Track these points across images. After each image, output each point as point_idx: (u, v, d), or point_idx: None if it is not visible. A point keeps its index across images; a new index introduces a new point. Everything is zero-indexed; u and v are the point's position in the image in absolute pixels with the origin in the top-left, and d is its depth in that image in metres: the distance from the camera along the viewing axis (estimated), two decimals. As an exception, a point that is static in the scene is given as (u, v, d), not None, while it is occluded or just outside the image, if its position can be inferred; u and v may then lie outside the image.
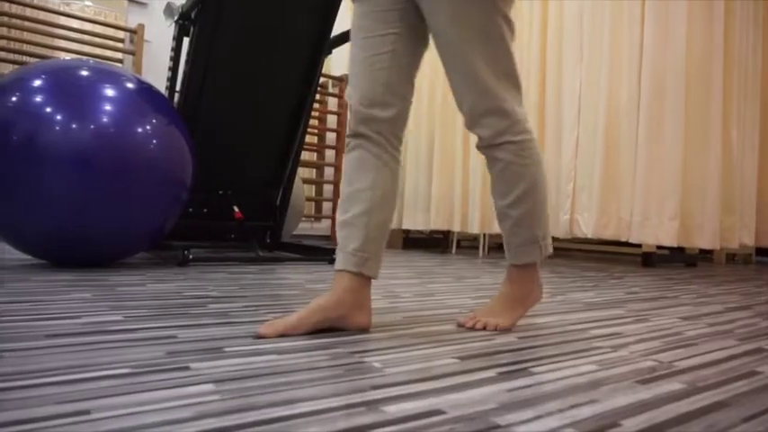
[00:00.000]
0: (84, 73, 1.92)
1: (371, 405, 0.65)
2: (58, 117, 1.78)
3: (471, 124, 1.10)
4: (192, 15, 2.35)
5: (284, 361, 0.82)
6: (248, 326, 1.06)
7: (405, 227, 3.77)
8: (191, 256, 2.10)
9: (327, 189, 4.20)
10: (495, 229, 3.23)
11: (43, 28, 3.08)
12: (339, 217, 1.12)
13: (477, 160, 3.33)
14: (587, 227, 2.72)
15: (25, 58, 3.06)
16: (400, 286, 1.78)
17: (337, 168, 4.13)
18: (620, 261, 3.48)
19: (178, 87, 2.48)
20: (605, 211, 2.71)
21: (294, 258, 2.46)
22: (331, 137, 4.21)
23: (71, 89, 1.84)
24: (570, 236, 2.83)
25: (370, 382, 0.73)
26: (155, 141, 1.92)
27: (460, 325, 1.14)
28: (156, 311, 1.16)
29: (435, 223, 3.55)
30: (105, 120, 1.83)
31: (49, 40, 3.14)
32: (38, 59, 3.05)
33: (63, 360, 0.77)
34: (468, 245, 4.34)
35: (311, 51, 2.59)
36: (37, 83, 1.83)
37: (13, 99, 1.78)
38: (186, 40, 2.73)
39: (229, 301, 1.34)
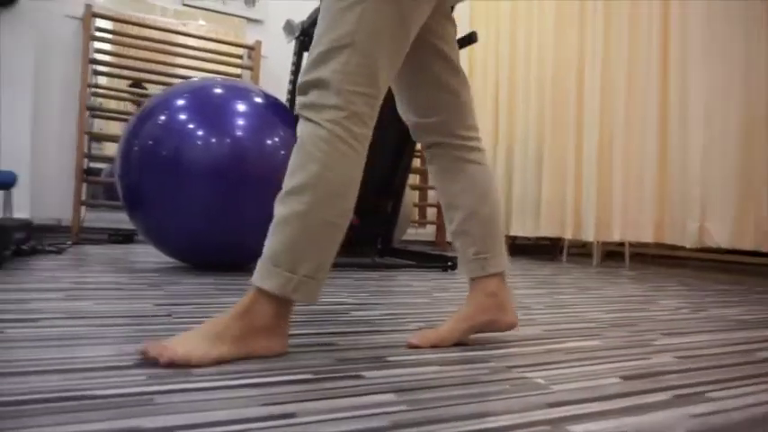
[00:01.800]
0: (219, 90, 2.06)
1: (556, 423, 0.65)
2: (199, 133, 1.93)
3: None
4: (312, 31, 2.46)
5: (448, 373, 0.84)
6: (396, 335, 1.09)
7: (512, 233, 3.71)
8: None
9: (432, 194, 4.23)
10: (613, 236, 3.09)
11: (168, 48, 3.35)
12: (448, 228, 1.14)
13: (591, 163, 3.21)
14: (720, 236, 2.53)
15: (155, 77, 3.34)
16: (527, 297, 1.75)
17: (441, 174, 4.17)
18: (750, 272, 3.21)
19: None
20: (741, 218, 2.51)
21: (408, 265, 2.50)
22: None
23: (208, 107, 1.99)
24: (699, 245, 2.65)
25: (542, 400, 0.73)
26: (282, 153, 2.03)
27: (144, 354, 0.81)
28: (304, 317, 1.23)
29: (545, 229, 3.46)
30: (239, 134, 1.96)
31: (170, 59, 3.41)
32: (167, 77, 3.33)
33: (250, 363, 0.84)
34: (576, 252, 4.19)
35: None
36: (180, 102, 2.00)
37: (162, 118, 1.96)
38: (306, 55, 2.86)
39: (367, 308, 1.39)
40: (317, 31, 0.92)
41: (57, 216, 3.09)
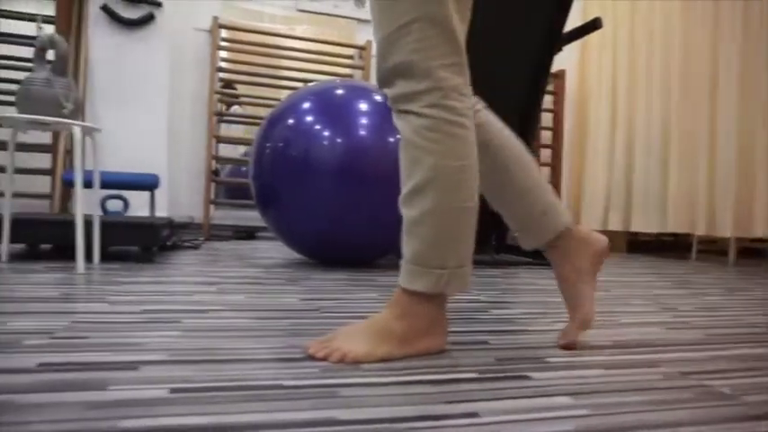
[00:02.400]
0: (341, 91, 2.12)
1: (763, 439, 0.60)
2: (325, 133, 1.99)
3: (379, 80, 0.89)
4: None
5: (617, 377, 0.81)
6: (545, 335, 1.07)
7: (634, 229, 3.50)
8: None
9: (543, 189, 4.10)
10: (756, 232, 2.82)
11: (282, 52, 3.50)
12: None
13: (729, 151, 2.94)
14: None
15: (274, 81, 3.51)
16: (669, 297, 1.65)
17: (554, 168, 4.00)
18: None
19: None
20: None
21: (528, 262, 2.43)
22: (546, 135, 4.09)
23: (332, 108, 2.05)
24: None
25: (737, 412, 0.68)
26: (405, 151, 2.05)
27: (311, 356, 0.84)
28: (448, 315, 1.23)
29: (673, 225, 3.23)
30: (362, 133, 2.00)
31: (285, 63, 3.56)
32: (285, 81, 3.48)
33: (413, 360, 0.85)
34: (705, 248, 3.87)
35: (542, 49, 2.53)
36: (306, 105, 2.08)
37: (290, 121, 2.05)
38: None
39: (504, 306, 1.37)
40: (375, 15, 0.85)
41: (189, 214, 3.34)
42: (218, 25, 3.26)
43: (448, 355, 0.89)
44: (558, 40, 2.52)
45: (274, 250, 2.64)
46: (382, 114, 2.06)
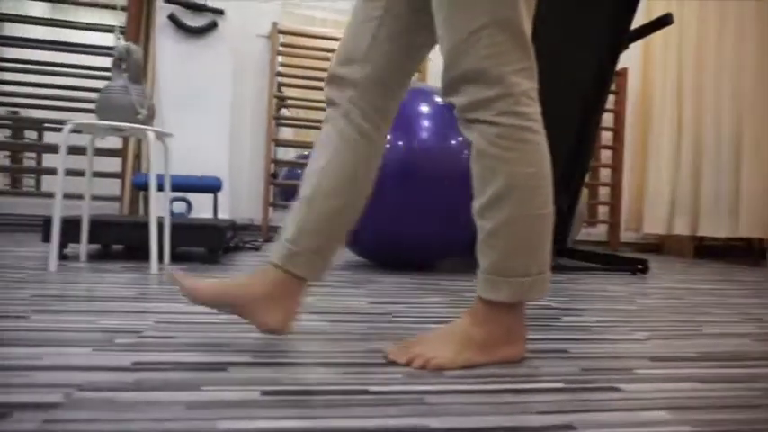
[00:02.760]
0: (402, 94, 2.12)
1: None
2: (387, 136, 1.99)
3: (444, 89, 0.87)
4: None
5: (713, 392, 0.77)
6: (623, 345, 1.03)
7: (702, 233, 3.35)
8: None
9: (604, 192, 3.97)
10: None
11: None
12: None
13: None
14: None
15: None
16: (749, 306, 1.56)
17: (614, 169, 3.87)
18: None
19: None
20: None
21: (592, 267, 2.36)
22: (607, 136, 3.97)
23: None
24: None
25: None
26: (465, 153, 2.03)
27: (393, 360, 0.84)
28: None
29: (745, 229, 3.07)
30: (423, 135, 1.99)
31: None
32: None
33: (494, 368, 0.84)
34: (779, 254, 3.66)
35: (608, 47, 2.46)
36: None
37: (352, 123, 2.06)
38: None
39: (576, 314, 1.33)
40: (443, 21, 0.83)
41: (249, 216, 3.42)
42: (277, 31, 3.33)
43: (528, 364, 0.87)
44: (625, 36, 2.44)
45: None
46: (443, 117, 2.04)
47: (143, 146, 3.08)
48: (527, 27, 0.83)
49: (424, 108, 2.07)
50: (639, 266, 2.31)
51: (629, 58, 3.86)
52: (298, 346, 0.91)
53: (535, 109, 0.84)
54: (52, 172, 3.01)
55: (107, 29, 3.16)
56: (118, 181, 3.13)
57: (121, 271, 1.68)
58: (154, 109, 1.81)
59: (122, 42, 1.80)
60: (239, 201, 3.42)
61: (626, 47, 2.56)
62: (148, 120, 1.78)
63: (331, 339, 0.96)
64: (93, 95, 3.21)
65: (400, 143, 1.98)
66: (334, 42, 3.56)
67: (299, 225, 0.89)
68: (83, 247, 1.87)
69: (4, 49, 3.76)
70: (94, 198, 3.10)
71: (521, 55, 0.82)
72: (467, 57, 0.81)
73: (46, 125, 3.61)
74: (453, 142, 2.02)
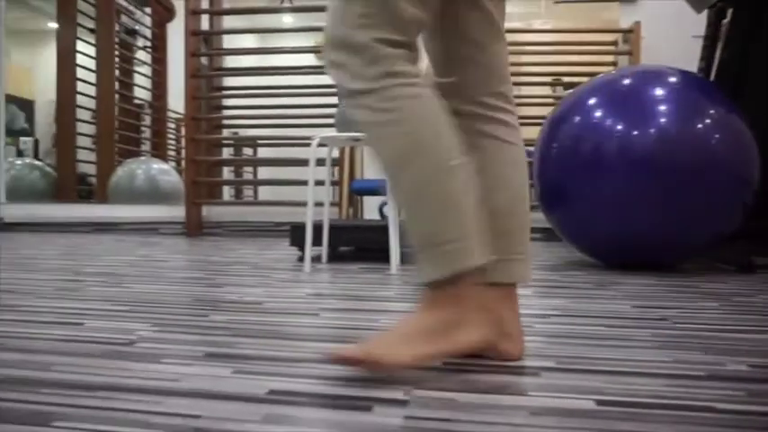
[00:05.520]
0: (628, 81, 1.95)
1: None
2: (618, 126, 1.85)
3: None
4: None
5: None
6: None
7: None
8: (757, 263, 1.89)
9: None
10: None
11: (522, 48, 3.41)
12: None
13: None
14: None
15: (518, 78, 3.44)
16: None
17: None
18: None
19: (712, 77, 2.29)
20: None
21: None
22: None
23: (624, 98, 1.89)
24: None
25: None
26: (717, 136, 1.79)
27: (337, 360, 0.70)
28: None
29: None
30: (662, 121, 1.81)
31: (519, 58, 3.45)
32: (535, 77, 3.39)
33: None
34: None
35: None
36: (592, 101, 1.95)
37: (577, 118, 1.95)
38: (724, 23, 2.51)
39: None
40: None
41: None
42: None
43: None
44: None
45: (546, 252, 2.57)
46: (683, 99, 1.84)
47: (356, 154, 3.29)
48: (405, 5, 0.74)
49: (659, 92, 1.88)
50: None
51: None
52: (596, 353, 0.86)
53: (415, 70, 0.76)
54: (286, 183, 3.37)
55: (308, 50, 3.46)
56: (332, 187, 3.39)
57: (362, 272, 1.80)
58: (385, 118, 1.91)
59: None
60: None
61: None
62: (382, 128, 1.88)
63: (623, 347, 0.90)
64: (306, 111, 3.53)
65: (635, 133, 1.82)
66: (521, 35, 3.45)
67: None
68: (324, 249, 2.05)
69: (225, 78, 4.34)
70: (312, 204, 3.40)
71: (392, 28, 0.74)
72: (340, 21, 0.76)
73: (260, 142, 4.08)
74: (699, 126, 1.80)
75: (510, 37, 3.45)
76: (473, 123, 0.86)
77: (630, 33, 3.35)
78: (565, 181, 1.92)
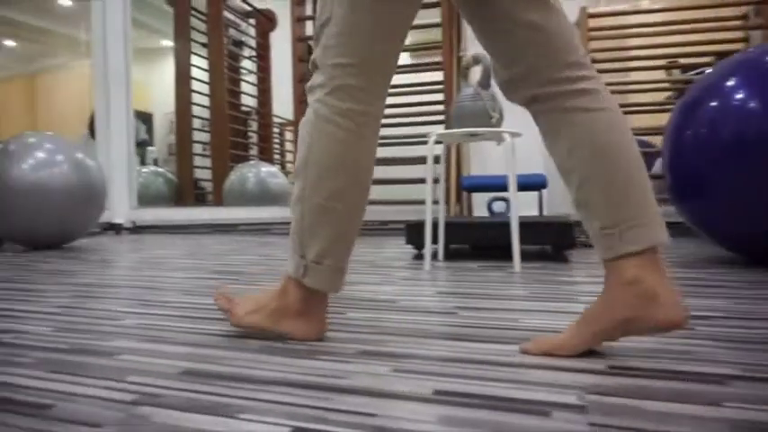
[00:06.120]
0: (770, 57, 1.76)
1: None
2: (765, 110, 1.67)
3: None
4: None
5: None
6: None
7: None
8: None
9: None
10: None
11: (635, 31, 3.17)
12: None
13: None
14: None
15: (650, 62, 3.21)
16: None
17: None
18: None
19: None
20: None
21: None
22: None
23: (766, 77, 1.71)
24: None
25: None
26: None
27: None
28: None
29: None
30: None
31: (627, 42, 3.21)
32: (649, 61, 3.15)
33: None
34: None
35: None
36: (731, 81, 1.78)
37: (714, 102, 1.79)
38: None
39: None
40: None
41: (565, 212, 3.32)
42: (587, 15, 3.16)
43: None
44: None
45: (676, 248, 2.38)
46: None
47: (462, 150, 3.25)
48: (364, 31, 0.84)
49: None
50: None
51: None
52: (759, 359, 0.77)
53: (350, 107, 0.85)
54: (407, 182, 3.41)
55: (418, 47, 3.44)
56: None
57: (483, 270, 1.76)
58: (502, 111, 1.86)
59: (468, 53, 1.89)
60: (553, 197, 3.36)
61: None
62: (499, 122, 1.83)
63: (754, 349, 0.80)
64: (414, 110, 3.52)
65: (786, 114, 1.63)
66: (635, 17, 3.23)
67: None
68: (440, 247, 2.03)
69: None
70: (412, 203, 3.39)
71: (346, 52, 0.85)
72: (316, 48, 0.89)
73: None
74: None
75: (615, 21, 3.25)
76: (557, 103, 0.82)
77: (765, 5, 3.03)
78: (704, 170, 1.77)
